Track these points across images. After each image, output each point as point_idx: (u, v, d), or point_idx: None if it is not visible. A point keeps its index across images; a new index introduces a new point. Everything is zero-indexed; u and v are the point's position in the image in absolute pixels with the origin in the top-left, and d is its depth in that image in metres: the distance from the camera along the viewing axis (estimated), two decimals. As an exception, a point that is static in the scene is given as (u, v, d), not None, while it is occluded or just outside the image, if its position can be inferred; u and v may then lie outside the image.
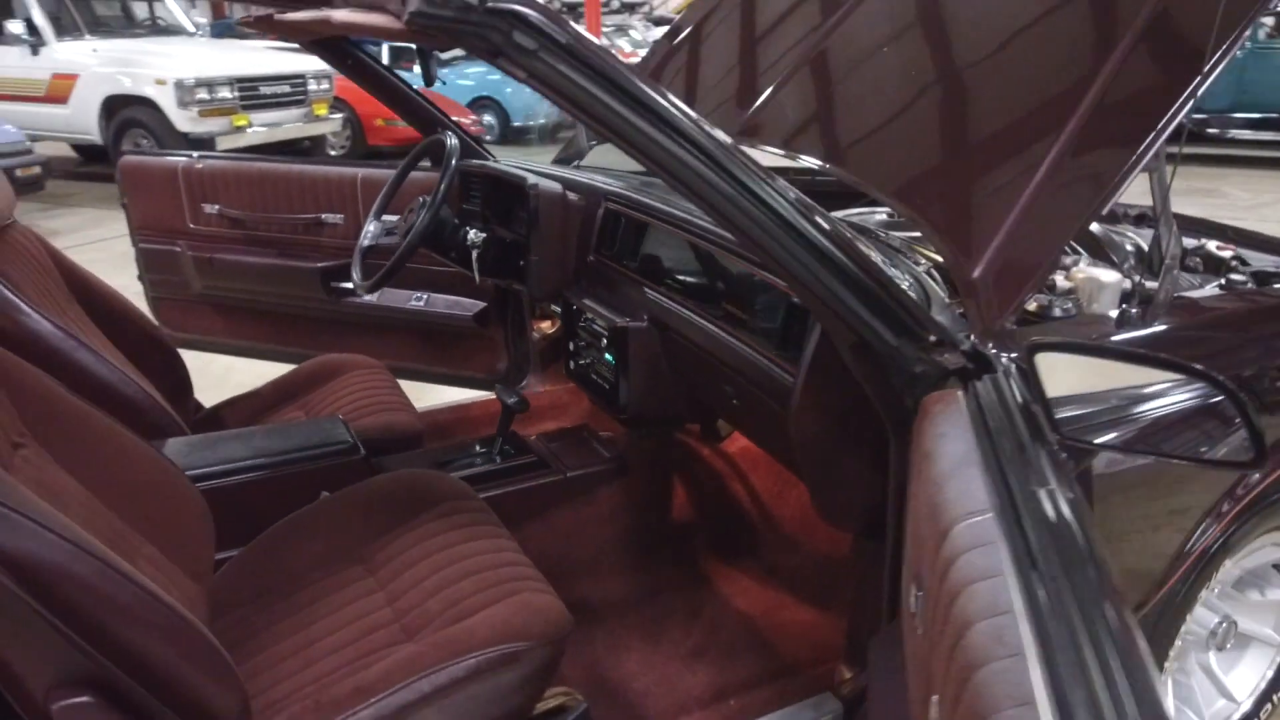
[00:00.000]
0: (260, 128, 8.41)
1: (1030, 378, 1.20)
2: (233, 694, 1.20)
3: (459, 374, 2.90)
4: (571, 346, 2.24)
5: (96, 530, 1.35)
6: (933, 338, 1.30)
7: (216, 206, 2.85)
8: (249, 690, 1.38)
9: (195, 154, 2.96)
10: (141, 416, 1.82)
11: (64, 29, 8.41)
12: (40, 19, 8.23)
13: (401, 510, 1.70)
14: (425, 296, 2.75)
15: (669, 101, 1.16)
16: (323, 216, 2.74)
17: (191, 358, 2.49)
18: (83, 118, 8.31)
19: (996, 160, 1.54)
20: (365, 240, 2.25)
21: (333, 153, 9.83)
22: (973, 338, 1.32)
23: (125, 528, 1.44)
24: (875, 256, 1.36)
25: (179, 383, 2.28)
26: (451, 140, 2.12)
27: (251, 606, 1.57)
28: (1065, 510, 0.98)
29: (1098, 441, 1.40)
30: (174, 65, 8.05)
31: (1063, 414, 1.21)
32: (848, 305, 1.25)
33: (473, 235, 2.20)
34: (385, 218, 2.25)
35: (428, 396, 3.10)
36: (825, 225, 1.24)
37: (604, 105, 1.12)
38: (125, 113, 8.14)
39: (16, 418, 1.35)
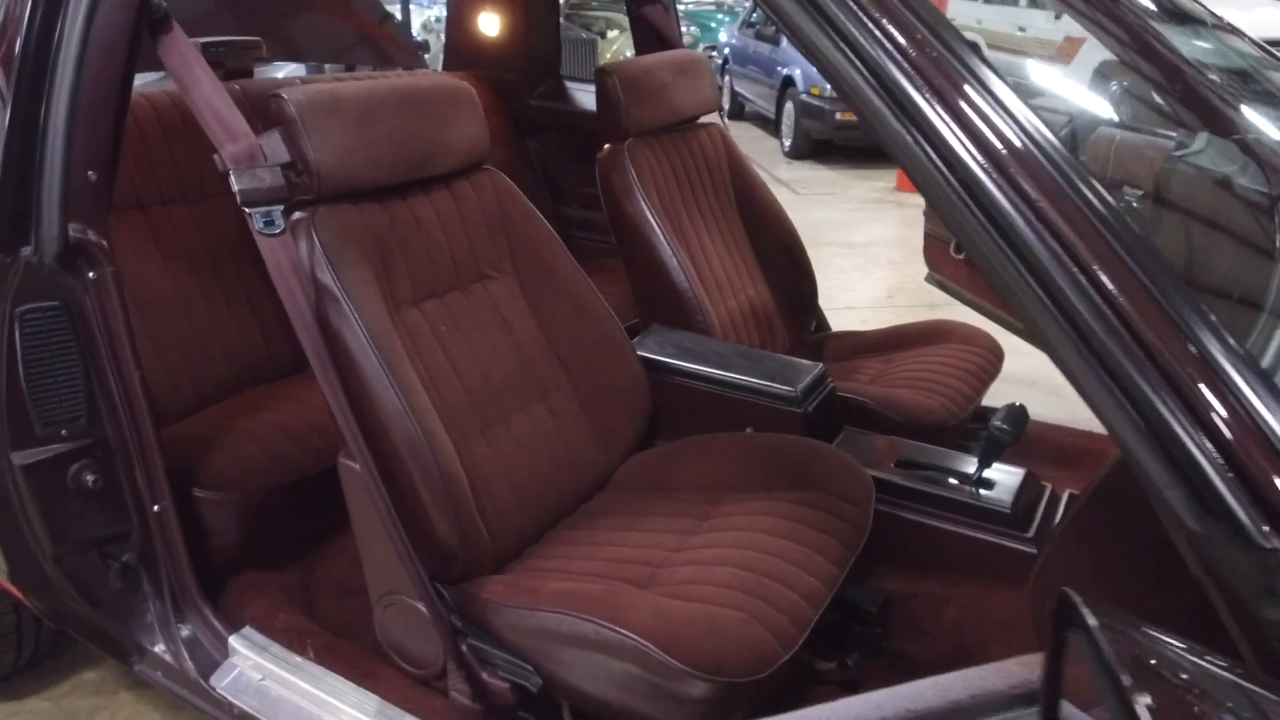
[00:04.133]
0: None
1: None
2: (454, 529, 1.34)
3: None
4: None
5: (517, 360, 1.61)
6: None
7: None
8: (530, 548, 1.51)
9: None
10: (680, 304, 2.00)
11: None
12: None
13: (780, 478, 1.55)
14: None
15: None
16: None
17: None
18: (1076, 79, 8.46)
19: None
20: None
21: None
22: None
23: (556, 371, 1.67)
24: None
25: (800, 297, 2.37)
26: None
27: (625, 491, 1.66)
28: None
29: None
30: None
31: None
32: (1118, 430, 0.64)
33: None
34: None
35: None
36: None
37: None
38: (1118, 70, 7.99)
39: (506, 254, 1.67)
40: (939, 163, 0.72)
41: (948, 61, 0.73)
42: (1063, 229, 0.67)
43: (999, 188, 0.70)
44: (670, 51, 2.33)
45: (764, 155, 8.06)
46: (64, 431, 1.42)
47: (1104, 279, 0.63)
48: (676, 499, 1.59)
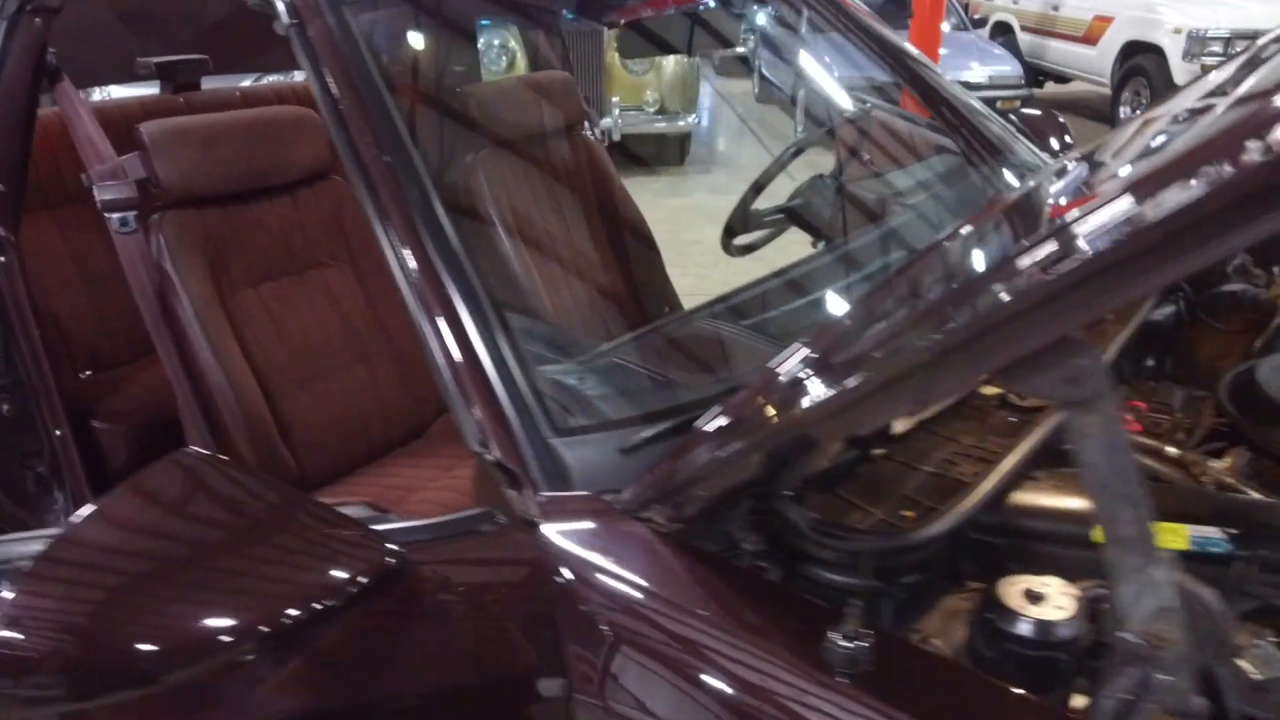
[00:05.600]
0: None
1: None
2: (254, 454, 1.80)
3: None
4: None
5: (342, 330, 2.06)
6: None
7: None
8: (342, 477, 1.96)
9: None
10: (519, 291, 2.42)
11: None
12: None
13: None
14: None
15: None
16: None
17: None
18: (1101, 61, 8.46)
19: None
20: None
21: None
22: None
23: (380, 340, 2.11)
24: None
25: (649, 285, 2.76)
26: None
27: (431, 440, 2.10)
28: None
29: None
30: (1198, 13, 7.48)
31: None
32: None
33: None
34: None
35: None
36: None
37: None
38: (1135, 60, 8.00)
39: (344, 247, 2.11)
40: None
41: (440, 287, 1.14)
42: None
43: None
44: (539, 73, 2.73)
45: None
46: None
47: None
48: (462, 445, 2.02)
